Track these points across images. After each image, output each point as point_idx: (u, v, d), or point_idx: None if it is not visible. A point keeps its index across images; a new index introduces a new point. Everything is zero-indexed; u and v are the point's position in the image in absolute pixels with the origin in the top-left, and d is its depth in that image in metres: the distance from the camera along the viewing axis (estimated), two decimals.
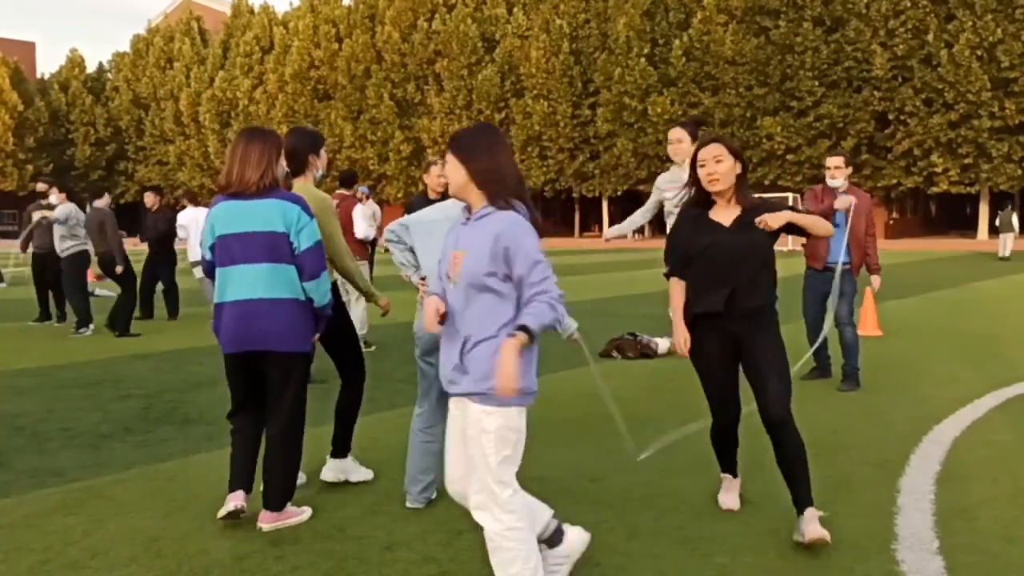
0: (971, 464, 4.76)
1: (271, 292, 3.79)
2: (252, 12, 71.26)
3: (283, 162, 3.94)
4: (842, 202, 6.66)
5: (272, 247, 3.77)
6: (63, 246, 10.81)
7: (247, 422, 4.00)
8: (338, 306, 4.32)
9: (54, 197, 11.28)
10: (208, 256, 3.88)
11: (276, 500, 3.87)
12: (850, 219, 6.81)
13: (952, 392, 6.73)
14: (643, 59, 49.30)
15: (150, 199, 13.01)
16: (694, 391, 6.89)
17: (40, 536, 3.82)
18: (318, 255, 3.86)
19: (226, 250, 3.80)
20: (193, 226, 11.74)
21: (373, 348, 9.42)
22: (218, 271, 3.86)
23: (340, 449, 4.51)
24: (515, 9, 55.91)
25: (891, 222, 48.90)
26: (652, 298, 15.13)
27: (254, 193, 3.79)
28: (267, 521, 3.86)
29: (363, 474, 4.57)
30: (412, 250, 4.02)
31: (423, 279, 3.92)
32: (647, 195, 8.63)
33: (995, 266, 23.60)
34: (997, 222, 29.00)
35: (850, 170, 7.00)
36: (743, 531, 3.77)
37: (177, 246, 12.89)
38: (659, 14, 50.35)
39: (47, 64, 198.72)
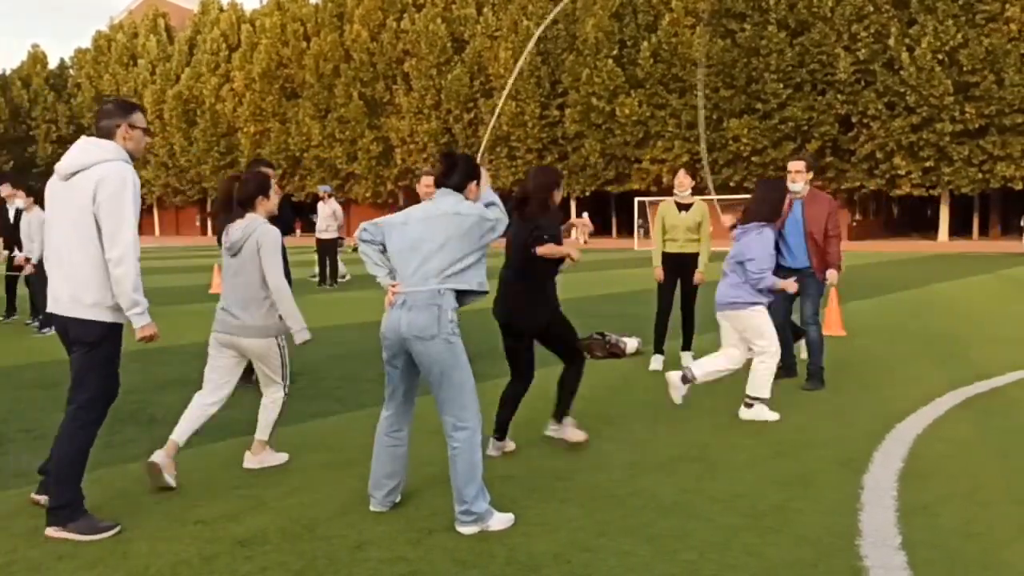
0: (932, 461, 4.85)
1: None
2: (220, 9, 70.49)
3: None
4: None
5: None
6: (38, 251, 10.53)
7: None
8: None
9: (21, 201, 11.02)
10: None
11: None
12: (807, 223, 6.93)
13: (914, 391, 6.85)
14: (611, 60, 49.51)
15: (6, 191, 11.23)
16: (662, 391, 6.95)
17: (5, 538, 3.77)
18: None
19: None
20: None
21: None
22: None
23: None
24: (484, 9, 55.89)
25: (854, 224, 49.54)
26: (621, 298, 15.21)
27: None
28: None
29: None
30: (384, 250, 4.03)
31: (394, 285, 3.92)
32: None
33: (955, 267, 23.99)
34: (1022, 222, 34.36)
35: (811, 175, 7.11)
36: (710, 528, 3.82)
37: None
38: (627, 16, 50.59)
39: (8, 60, 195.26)
